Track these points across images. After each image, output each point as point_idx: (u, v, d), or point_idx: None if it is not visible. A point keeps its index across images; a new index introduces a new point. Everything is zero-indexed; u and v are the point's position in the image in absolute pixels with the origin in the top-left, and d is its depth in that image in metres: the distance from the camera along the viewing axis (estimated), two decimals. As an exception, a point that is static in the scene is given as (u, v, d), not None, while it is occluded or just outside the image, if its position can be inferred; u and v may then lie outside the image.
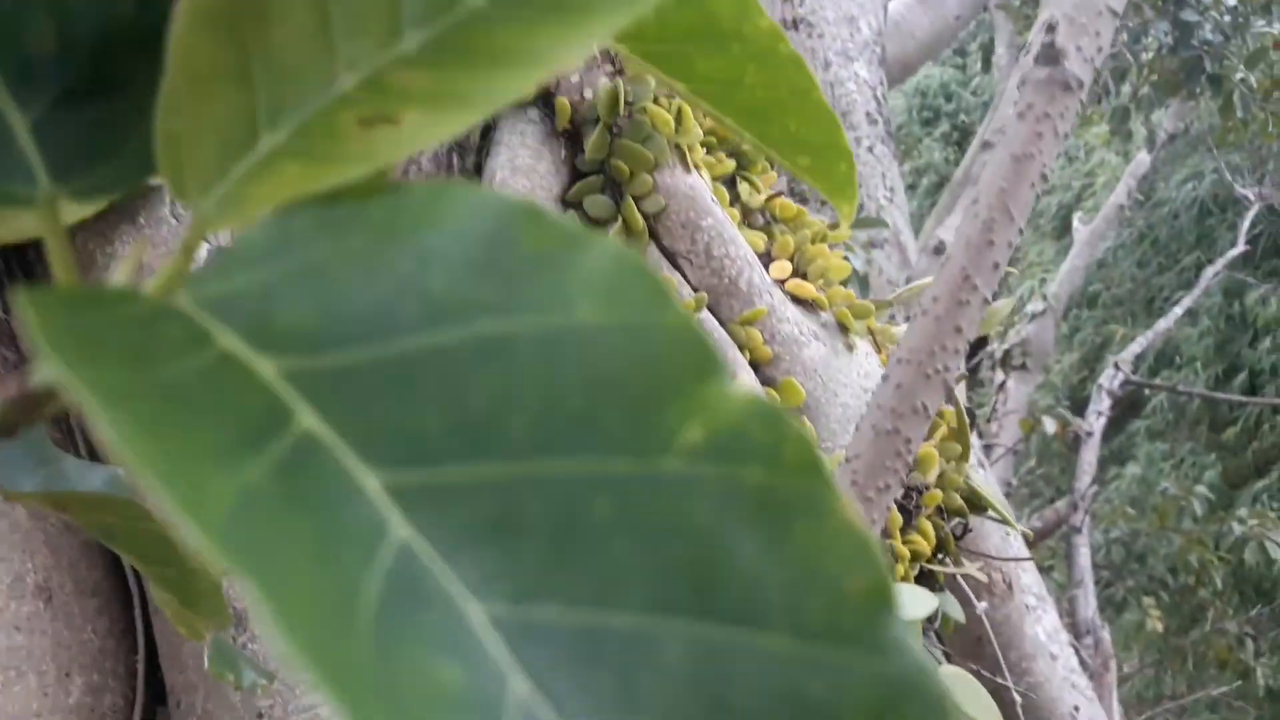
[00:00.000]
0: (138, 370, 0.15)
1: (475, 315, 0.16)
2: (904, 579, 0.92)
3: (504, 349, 0.16)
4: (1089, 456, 3.55)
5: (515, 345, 0.16)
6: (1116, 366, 3.73)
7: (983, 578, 0.96)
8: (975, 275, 0.42)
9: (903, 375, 0.42)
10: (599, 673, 0.14)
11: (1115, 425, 5.22)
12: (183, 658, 0.75)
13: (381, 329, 0.16)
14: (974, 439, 2.37)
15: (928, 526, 0.97)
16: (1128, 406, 5.31)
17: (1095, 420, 3.59)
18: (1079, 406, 4.27)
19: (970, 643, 1.59)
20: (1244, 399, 4.39)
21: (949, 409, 1.06)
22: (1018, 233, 0.42)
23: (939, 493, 0.94)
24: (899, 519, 0.92)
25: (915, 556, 0.93)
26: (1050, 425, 3.22)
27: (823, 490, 0.15)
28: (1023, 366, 3.98)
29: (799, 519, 0.15)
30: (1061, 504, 3.78)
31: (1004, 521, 1.08)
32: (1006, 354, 4.03)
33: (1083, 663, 2.78)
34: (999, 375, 4.07)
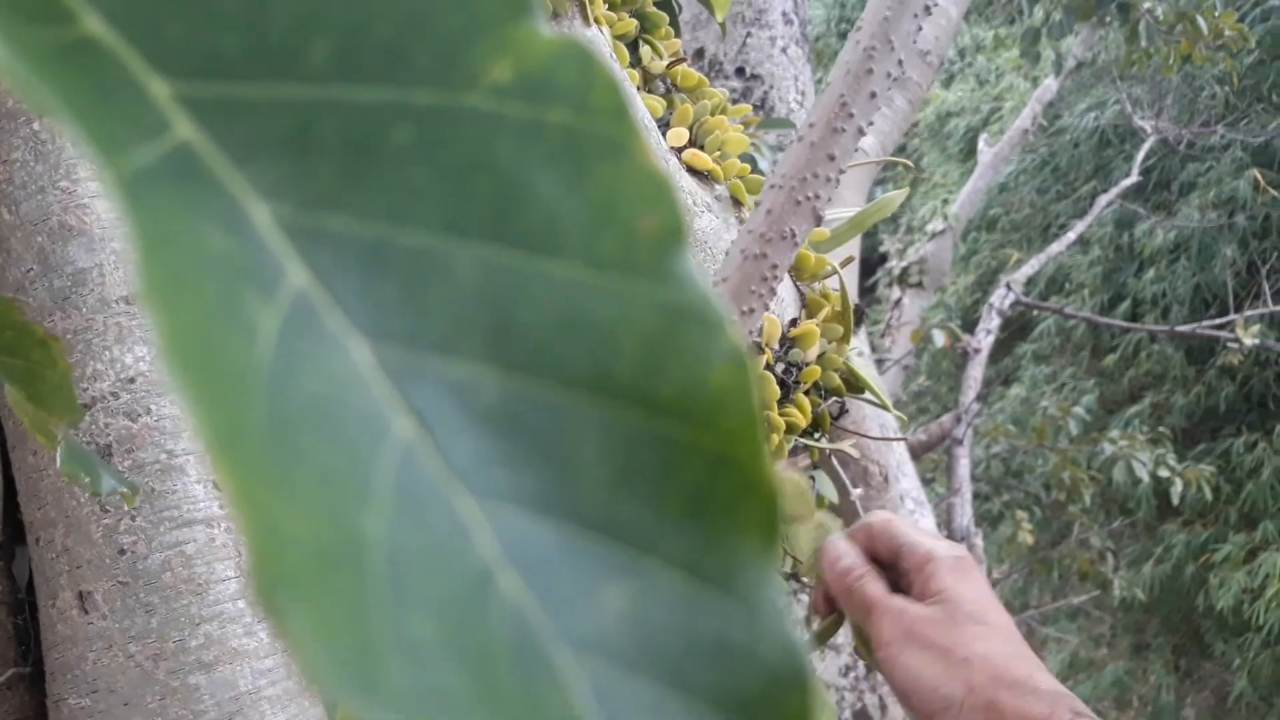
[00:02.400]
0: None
1: (278, -61, 0.15)
2: (779, 450, 0.94)
3: (308, -25, 0.15)
4: (975, 372, 3.67)
5: (320, -29, 0.15)
6: (1008, 286, 3.84)
7: (855, 453, 0.98)
8: (852, 103, 0.42)
9: (773, 201, 0.42)
10: (386, 280, 0.14)
11: (1003, 348, 5.40)
12: (42, 494, 0.73)
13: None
14: (865, 346, 2.42)
15: (804, 402, 0.99)
16: (1016, 330, 5.49)
17: (984, 338, 3.71)
18: (970, 327, 4.39)
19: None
20: (1126, 324, 4.56)
21: (834, 292, 1.08)
22: (897, 64, 0.42)
23: (818, 369, 0.96)
24: (776, 390, 0.94)
25: (790, 429, 0.95)
26: (940, 338, 3.31)
27: (627, 134, 0.15)
28: (919, 284, 4.06)
29: (601, 160, 0.15)
30: (947, 418, 3.91)
31: (881, 405, 1.11)
32: (904, 271, 4.11)
33: (955, 567, 2.90)
34: (895, 292, 4.15)
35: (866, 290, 5.31)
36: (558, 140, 0.15)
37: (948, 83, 6.22)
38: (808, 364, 0.99)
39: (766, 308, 0.44)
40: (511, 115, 0.15)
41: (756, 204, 0.43)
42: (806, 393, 1.03)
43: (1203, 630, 4.89)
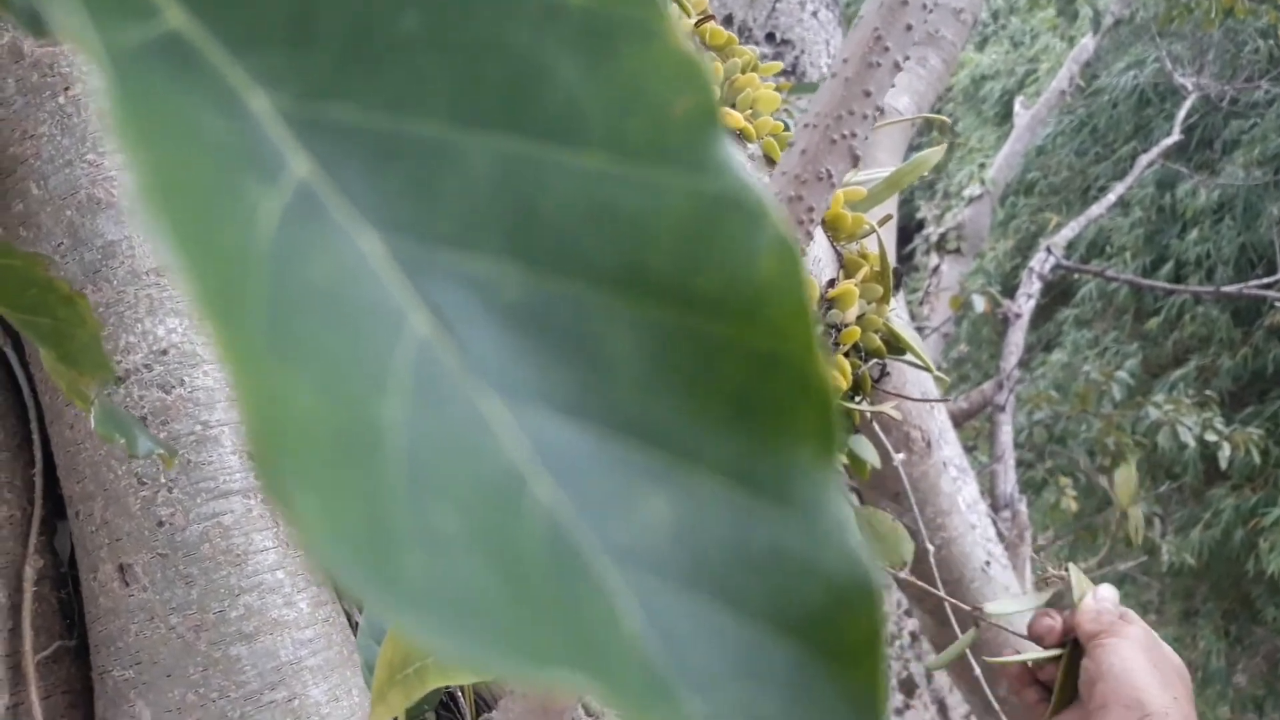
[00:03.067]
0: None
1: None
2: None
3: None
4: (1016, 338, 3.61)
5: None
6: (1048, 250, 3.77)
7: (897, 416, 0.97)
8: (887, 36, 0.40)
9: (808, 140, 0.41)
10: (394, 172, 0.13)
11: (1044, 313, 5.33)
12: (80, 468, 0.73)
13: None
14: (905, 312, 2.39)
15: (844, 363, 0.97)
16: (1058, 294, 5.41)
17: (1025, 302, 3.65)
18: (1010, 293, 4.33)
19: (888, 497, 1.63)
20: (1169, 286, 4.48)
21: (873, 252, 1.06)
22: (933, -6, 0.40)
23: (857, 330, 0.94)
24: (817, 351, 0.92)
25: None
26: (980, 304, 3.26)
27: (652, 14, 0.14)
28: (957, 250, 4.01)
29: (625, 42, 0.14)
30: (988, 385, 3.86)
31: (923, 366, 1.09)
32: (942, 237, 4.06)
33: (1000, 535, 2.88)
34: (933, 258, 4.11)
35: (904, 258, 5.25)
36: (578, 22, 0.14)
37: (982, 45, 6.11)
38: (847, 325, 0.97)
39: (803, 254, 0.42)
40: (528, -4, 0.14)
41: (790, 145, 0.42)
42: (846, 354, 1.01)
43: (1253, 595, 4.82)
